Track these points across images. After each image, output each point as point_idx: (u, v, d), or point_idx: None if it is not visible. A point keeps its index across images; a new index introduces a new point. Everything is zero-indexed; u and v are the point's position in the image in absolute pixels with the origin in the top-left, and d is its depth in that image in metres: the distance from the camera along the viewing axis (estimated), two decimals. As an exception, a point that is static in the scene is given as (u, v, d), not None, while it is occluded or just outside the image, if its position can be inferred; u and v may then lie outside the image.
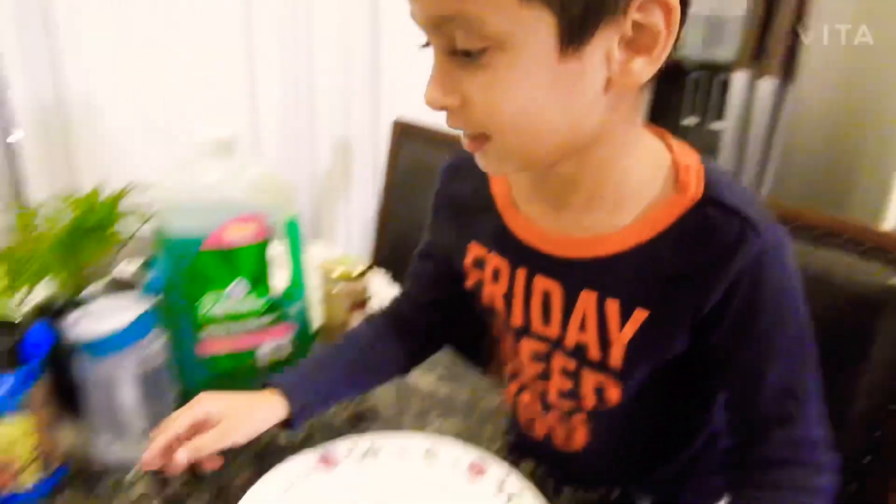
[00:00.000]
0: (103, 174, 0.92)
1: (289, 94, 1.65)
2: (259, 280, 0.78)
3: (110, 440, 0.70)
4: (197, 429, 0.63)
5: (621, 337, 0.57)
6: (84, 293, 0.69)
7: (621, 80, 0.48)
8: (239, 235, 0.74)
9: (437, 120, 0.57)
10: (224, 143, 0.75)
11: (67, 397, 0.69)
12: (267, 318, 0.80)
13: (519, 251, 0.62)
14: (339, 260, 0.91)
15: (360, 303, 0.90)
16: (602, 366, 0.59)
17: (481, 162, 0.55)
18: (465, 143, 0.54)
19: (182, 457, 0.60)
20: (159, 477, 0.67)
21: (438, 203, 0.73)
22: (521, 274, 0.62)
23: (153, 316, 0.70)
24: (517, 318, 0.64)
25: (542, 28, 0.45)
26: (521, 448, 0.74)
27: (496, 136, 0.51)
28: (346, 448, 0.71)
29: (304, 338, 0.85)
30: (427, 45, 0.51)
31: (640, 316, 0.56)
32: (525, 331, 0.64)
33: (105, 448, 0.70)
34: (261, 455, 0.72)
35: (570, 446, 0.67)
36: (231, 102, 1.55)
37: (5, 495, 0.62)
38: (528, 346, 0.65)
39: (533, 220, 0.61)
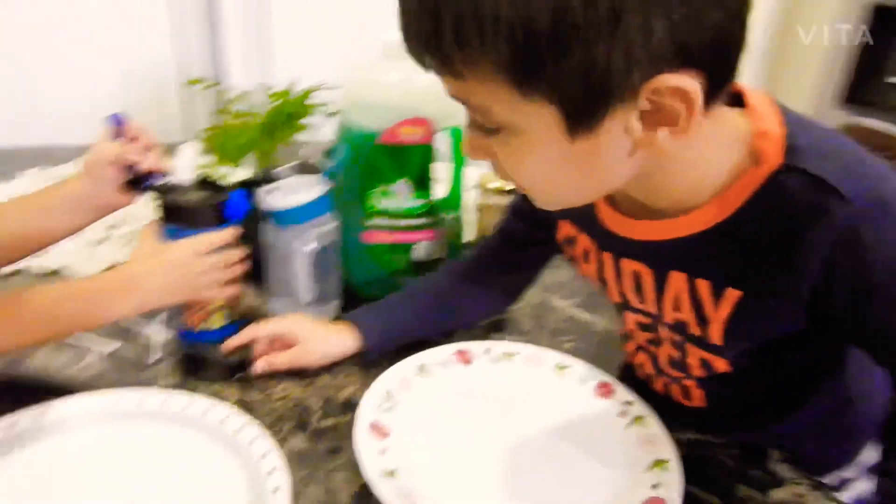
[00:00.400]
0: (299, 72, 1.02)
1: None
2: (421, 182, 0.83)
3: (282, 305, 0.80)
4: (276, 341, 0.71)
5: (717, 316, 0.55)
6: (276, 171, 0.77)
7: (648, 148, 0.46)
8: (409, 135, 0.79)
9: None
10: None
11: (253, 263, 0.79)
12: (424, 220, 0.85)
13: (603, 235, 0.62)
14: (484, 175, 0.94)
15: (512, 219, 0.92)
16: (705, 342, 0.58)
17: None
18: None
19: (258, 367, 0.69)
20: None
21: None
22: (608, 257, 0.63)
23: (330, 198, 0.77)
24: (614, 296, 0.65)
25: (546, 116, 0.44)
26: (645, 395, 0.75)
27: (526, 190, 0.53)
28: (483, 348, 0.75)
29: (456, 243, 0.90)
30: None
31: (732, 296, 0.53)
32: (625, 305, 0.65)
33: (277, 311, 0.80)
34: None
35: (690, 402, 0.67)
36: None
37: (198, 332, 0.72)
38: (632, 318, 0.66)
39: (614, 207, 0.60)
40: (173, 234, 0.66)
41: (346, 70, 0.84)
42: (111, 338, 0.74)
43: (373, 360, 0.73)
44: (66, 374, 0.68)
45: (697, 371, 0.62)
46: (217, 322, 0.71)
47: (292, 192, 0.75)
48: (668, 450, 0.62)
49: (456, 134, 0.85)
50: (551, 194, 0.53)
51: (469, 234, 0.96)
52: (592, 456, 0.63)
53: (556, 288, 0.94)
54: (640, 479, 0.60)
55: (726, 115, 0.51)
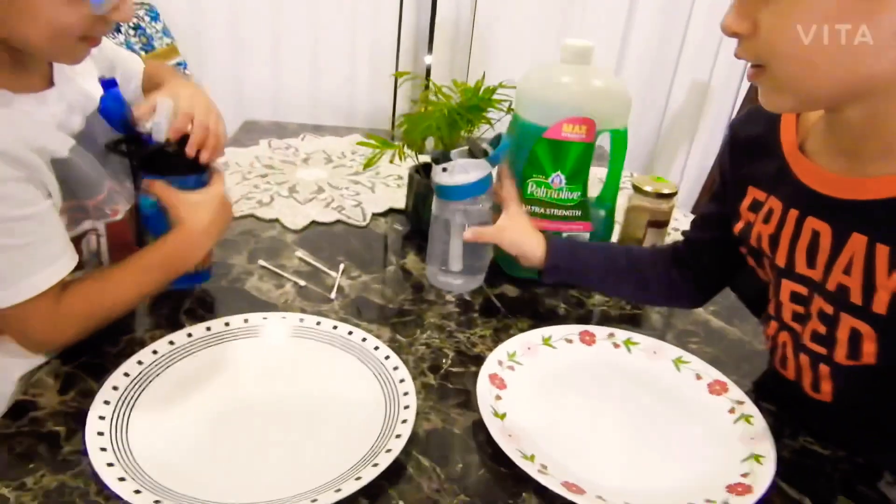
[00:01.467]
0: (486, 69, 1.14)
1: (664, 24, 1.69)
2: (577, 177, 0.91)
3: (433, 271, 0.93)
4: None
5: (889, 283, 0.55)
6: (449, 152, 0.90)
7: None
8: (571, 133, 0.87)
9: None
10: (582, 52, 0.88)
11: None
12: (576, 212, 0.93)
13: (795, 192, 0.63)
14: (651, 178, 0.98)
15: (659, 222, 0.96)
16: (863, 311, 0.58)
17: (761, 96, 0.57)
18: (748, 74, 0.57)
19: (468, 234, 0.86)
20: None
21: (728, 142, 0.75)
22: (792, 215, 0.64)
23: (489, 181, 0.88)
24: (781, 259, 0.66)
25: None
26: (772, 384, 0.76)
27: (773, 65, 0.54)
28: (608, 332, 0.81)
29: (604, 238, 0.96)
30: None
31: None
32: (787, 272, 0.65)
33: (431, 275, 0.93)
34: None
35: (816, 393, 0.67)
36: (608, 20, 1.66)
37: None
38: (788, 287, 0.66)
39: (816, 160, 0.62)
40: (179, 183, 0.76)
41: (526, 70, 0.94)
42: (303, 277, 0.92)
43: (548, 283, 0.87)
44: (271, 296, 0.87)
45: (842, 349, 0.62)
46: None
47: (460, 171, 0.86)
48: (767, 448, 0.64)
49: (616, 136, 0.91)
50: (802, 60, 0.52)
51: (616, 232, 1.01)
52: (693, 441, 0.67)
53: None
54: (733, 466, 0.63)
55: None
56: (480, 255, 0.92)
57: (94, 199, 0.71)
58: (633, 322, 0.90)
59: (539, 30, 1.63)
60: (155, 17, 1.42)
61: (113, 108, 0.76)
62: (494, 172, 0.89)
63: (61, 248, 0.66)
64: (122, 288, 0.72)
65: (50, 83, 0.69)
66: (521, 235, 0.86)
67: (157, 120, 0.74)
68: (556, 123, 0.87)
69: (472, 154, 0.88)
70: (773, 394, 0.76)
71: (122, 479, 0.54)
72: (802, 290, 0.65)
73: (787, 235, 0.65)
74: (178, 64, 1.45)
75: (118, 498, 0.53)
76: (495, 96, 0.99)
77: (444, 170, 0.86)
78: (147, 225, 0.79)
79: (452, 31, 1.63)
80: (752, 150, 0.71)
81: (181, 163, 0.76)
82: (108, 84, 0.78)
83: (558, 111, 0.88)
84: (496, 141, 0.91)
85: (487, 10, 1.62)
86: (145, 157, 0.76)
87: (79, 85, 0.73)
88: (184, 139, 0.75)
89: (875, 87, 0.52)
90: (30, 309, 0.64)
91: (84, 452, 0.57)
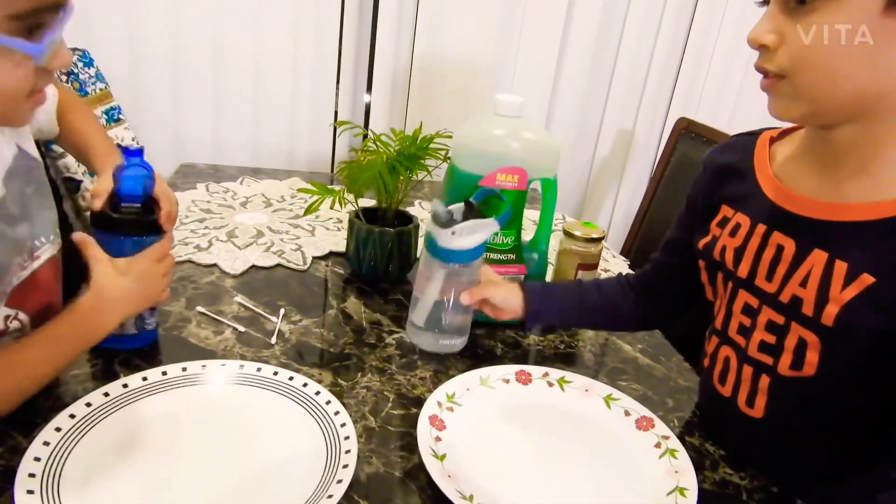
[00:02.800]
0: (422, 118, 1.19)
1: (590, 78, 1.80)
2: (511, 223, 0.95)
3: (432, 336, 0.89)
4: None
5: (841, 297, 0.62)
6: (452, 209, 0.85)
7: None
8: (505, 181, 0.92)
9: (721, 124, 0.67)
10: (513, 106, 0.93)
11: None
12: (510, 256, 0.97)
13: (764, 209, 0.70)
14: (581, 224, 1.04)
15: (589, 265, 1.02)
16: (813, 322, 0.64)
17: (772, 103, 0.63)
18: (763, 84, 0.63)
19: (465, 299, 0.86)
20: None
21: (704, 170, 0.82)
22: (759, 230, 0.70)
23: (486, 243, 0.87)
24: (744, 270, 0.72)
25: None
26: (706, 404, 0.82)
27: (796, 76, 0.60)
28: (542, 372, 0.85)
29: (538, 279, 1.00)
30: (764, 2, 0.61)
31: (865, 280, 0.60)
32: (746, 283, 0.72)
33: (421, 340, 0.90)
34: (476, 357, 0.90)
35: (749, 409, 0.72)
36: (538, 74, 1.75)
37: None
38: (742, 299, 0.73)
39: (787, 183, 0.69)
40: (116, 244, 0.74)
41: (461, 122, 0.99)
42: (242, 323, 0.92)
43: (530, 328, 0.92)
44: (210, 342, 0.86)
45: (787, 357, 0.67)
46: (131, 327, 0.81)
47: (468, 234, 0.83)
48: (690, 481, 0.68)
49: (547, 184, 0.96)
50: (824, 71, 0.58)
51: (550, 273, 1.06)
52: (621, 476, 0.71)
53: (625, 333, 1.02)
54: (660, 500, 0.67)
55: None
56: (470, 313, 0.91)
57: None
58: (567, 360, 0.94)
59: (473, 81, 1.71)
60: (88, 63, 1.41)
61: (135, 182, 0.76)
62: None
63: None
64: (32, 364, 0.67)
65: None
66: (506, 290, 0.88)
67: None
68: (490, 173, 0.92)
69: (473, 213, 0.86)
70: (702, 419, 0.81)
71: (54, 538, 0.53)
72: (754, 302, 0.71)
73: (752, 248, 0.71)
74: (112, 109, 1.43)
75: (50, 557, 0.51)
76: (432, 145, 1.03)
77: (453, 233, 0.83)
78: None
79: (391, 78, 1.68)
80: (726, 173, 0.78)
81: (133, 225, 0.76)
82: (135, 154, 0.77)
83: (493, 162, 0.92)
84: (483, 194, 0.91)
85: (425, 62, 1.68)
86: (101, 218, 0.75)
87: None
88: (144, 205, 0.77)
89: (878, 107, 0.59)
90: None
91: (14, 512, 0.55)
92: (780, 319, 0.68)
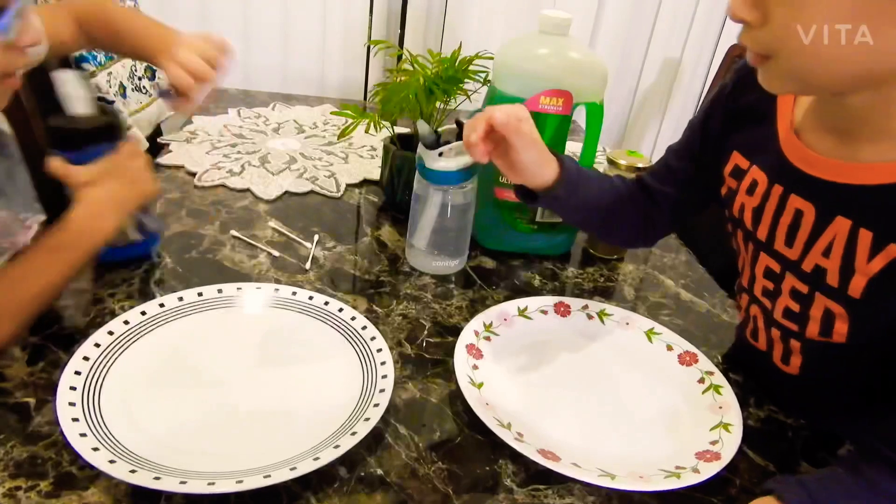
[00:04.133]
0: (461, 38, 1.13)
1: (637, 2, 1.70)
2: (555, 148, 0.90)
3: (414, 251, 0.90)
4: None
5: (868, 268, 0.56)
6: (440, 133, 0.87)
7: None
8: (549, 105, 0.87)
9: None
10: (560, 24, 0.87)
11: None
12: (551, 185, 0.93)
13: (782, 168, 0.63)
14: (626, 153, 0.99)
15: (634, 196, 0.98)
16: (839, 294, 0.59)
17: (761, 78, 0.56)
18: (749, 58, 0.55)
19: (481, 157, 0.69)
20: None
21: (716, 98, 0.74)
22: (776, 190, 0.64)
23: (476, 165, 0.86)
24: (763, 233, 0.66)
25: None
26: (741, 356, 0.78)
27: (781, 56, 0.51)
28: (582, 304, 0.82)
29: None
30: None
31: (892, 251, 0.54)
32: (765, 247, 0.66)
33: (410, 254, 0.91)
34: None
35: (785, 366, 0.69)
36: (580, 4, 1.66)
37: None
38: (763, 262, 0.67)
39: (807, 141, 0.62)
40: (78, 158, 0.71)
41: (504, 41, 0.93)
42: (276, 248, 0.90)
43: (535, 203, 0.76)
44: (244, 266, 0.85)
45: (813, 327, 0.63)
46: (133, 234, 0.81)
47: (456, 154, 0.82)
48: (735, 416, 0.66)
49: (592, 109, 0.91)
50: (813, 55, 0.49)
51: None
52: (665, 410, 0.69)
53: (665, 268, 0.99)
54: (703, 435, 0.65)
55: None
56: (463, 234, 0.91)
57: None
58: (605, 294, 0.91)
59: (514, 1, 1.62)
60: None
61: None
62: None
63: None
64: (31, 278, 0.65)
65: None
66: (538, 152, 0.73)
67: (66, 92, 0.70)
68: (534, 96, 0.87)
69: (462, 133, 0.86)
70: (741, 364, 0.78)
71: (95, 450, 0.53)
72: (776, 266, 0.66)
73: (769, 210, 0.65)
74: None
75: (92, 468, 0.52)
76: (472, 67, 0.98)
77: (441, 154, 0.82)
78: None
79: (426, 1, 1.60)
80: (742, 115, 0.70)
81: (91, 135, 0.72)
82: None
83: (536, 83, 0.87)
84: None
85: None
86: (57, 136, 0.72)
87: None
88: (102, 109, 0.73)
89: (884, 79, 0.51)
90: None
91: (56, 423, 0.56)
92: (804, 288, 0.62)
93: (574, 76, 0.88)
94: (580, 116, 0.92)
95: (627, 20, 1.70)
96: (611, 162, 0.97)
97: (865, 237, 0.56)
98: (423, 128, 0.83)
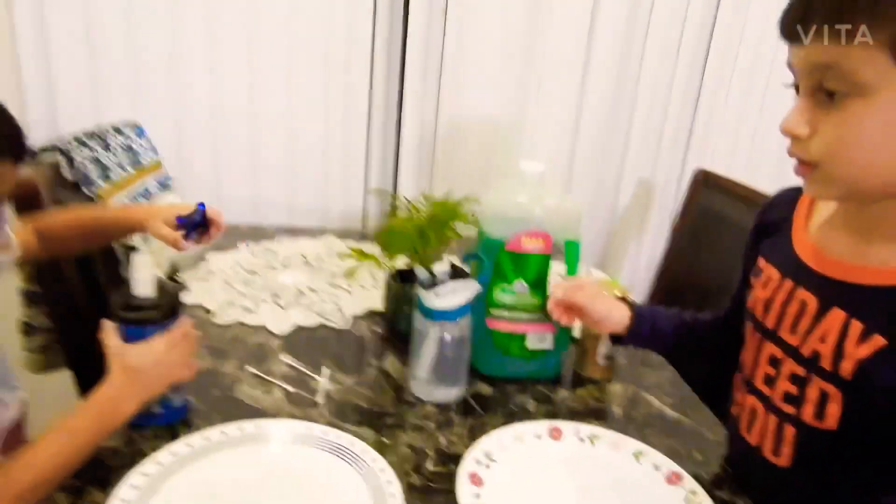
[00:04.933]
0: (452, 184, 1.27)
1: (607, 131, 1.87)
2: (538, 284, 1.01)
3: (418, 382, 0.98)
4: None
5: (855, 353, 0.67)
6: (437, 271, 0.96)
7: None
8: (530, 245, 0.99)
9: (740, 175, 0.73)
10: (535, 174, 1.00)
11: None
12: (538, 315, 1.03)
13: (793, 265, 0.76)
14: (605, 282, 1.10)
15: (615, 322, 1.07)
16: (832, 375, 0.69)
17: (807, 186, 0.69)
18: (797, 169, 0.68)
19: (562, 320, 0.98)
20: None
21: (753, 227, 0.89)
22: (786, 285, 0.76)
23: (473, 301, 0.96)
24: (771, 321, 0.78)
25: None
26: (734, 455, 0.86)
27: (827, 166, 0.64)
28: (574, 428, 0.90)
29: (564, 339, 1.06)
30: (794, 85, 0.67)
31: (877, 342, 0.65)
32: (771, 334, 0.77)
33: (414, 385, 0.99)
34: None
35: (777, 459, 0.76)
36: (554, 136, 1.83)
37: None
38: (768, 350, 0.78)
39: (817, 243, 0.75)
40: (135, 333, 0.80)
41: (486, 180, 1.06)
42: (290, 382, 0.98)
43: (623, 344, 0.97)
44: (261, 402, 0.93)
45: (810, 407, 0.72)
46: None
47: (450, 293, 0.92)
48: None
49: (569, 245, 1.02)
50: (857, 164, 0.63)
51: (578, 329, 1.12)
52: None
53: (651, 387, 1.06)
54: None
55: None
56: (461, 364, 0.98)
57: None
58: (596, 415, 0.99)
59: (495, 140, 1.79)
60: (142, 134, 1.52)
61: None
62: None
63: None
64: (48, 460, 0.70)
65: None
66: (608, 303, 0.97)
67: (136, 276, 0.81)
68: (515, 237, 0.99)
69: (457, 274, 0.96)
70: (730, 469, 0.86)
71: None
72: (778, 353, 0.76)
73: (779, 301, 0.77)
74: (165, 178, 1.54)
75: None
76: (461, 210, 1.10)
77: (437, 295, 0.92)
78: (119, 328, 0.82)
79: (417, 142, 1.77)
80: (767, 228, 0.85)
81: (150, 315, 0.82)
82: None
83: (517, 227, 0.99)
84: (470, 257, 1.01)
85: (450, 124, 1.78)
86: (121, 310, 0.81)
87: None
88: (162, 293, 0.84)
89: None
90: None
91: (99, 567, 0.61)
92: (801, 371, 0.73)
93: (550, 218, 1.00)
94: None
95: (600, 146, 1.87)
96: (592, 292, 1.07)
97: (856, 328, 0.67)
98: (420, 273, 0.94)
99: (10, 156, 0.73)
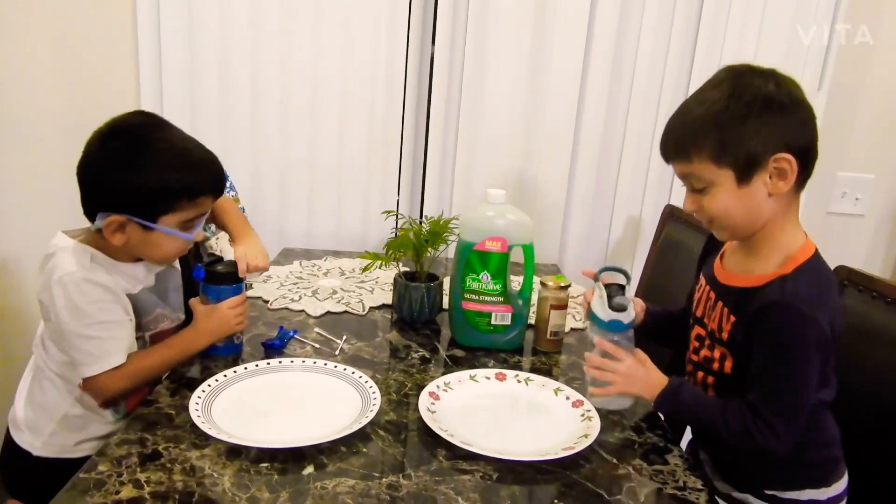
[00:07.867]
0: (443, 205, 1.65)
1: (602, 167, 2.22)
2: (498, 275, 1.37)
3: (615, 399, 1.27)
4: None
5: (725, 327, 1.04)
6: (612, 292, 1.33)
7: (775, 192, 0.97)
8: (492, 247, 1.35)
9: None
10: (499, 196, 1.38)
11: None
12: (499, 299, 1.38)
13: (710, 276, 1.14)
14: (553, 278, 1.44)
15: (559, 306, 1.40)
16: (721, 341, 1.06)
17: (714, 232, 1.07)
18: (704, 223, 1.06)
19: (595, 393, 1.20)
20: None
21: (700, 253, 1.27)
22: (706, 288, 1.14)
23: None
24: (699, 311, 1.15)
25: (729, 175, 0.97)
26: None
27: (715, 223, 1.03)
28: (514, 374, 1.24)
29: (520, 318, 1.41)
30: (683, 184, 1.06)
31: (731, 319, 1.03)
32: (699, 319, 1.14)
33: (593, 400, 1.37)
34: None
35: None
36: (557, 172, 2.20)
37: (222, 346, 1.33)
38: (696, 329, 1.15)
39: (722, 263, 1.12)
40: (213, 291, 1.24)
41: (463, 209, 1.44)
42: (319, 343, 1.37)
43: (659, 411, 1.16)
44: (297, 353, 1.31)
45: (717, 365, 1.08)
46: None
47: (630, 308, 1.17)
48: (595, 431, 1.04)
49: (526, 249, 1.39)
50: (731, 224, 1.01)
51: (533, 312, 1.45)
52: (556, 425, 1.08)
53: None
54: (576, 430, 1.04)
55: (798, 235, 1.03)
56: None
57: (146, 318, 1.23)
58: (540, 374, 1.32)
59: (506, 167, 2.18)
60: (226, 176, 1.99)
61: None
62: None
63: (129, 342, 1.17)
64: (155, 359, 1.19)
65: (137, 260, 1.22)
66: (657, 376, 1.12)
67: (222, 248, 1.28)
68: (481, 241, 1.36)
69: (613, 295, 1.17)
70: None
71: (204, 423, 0.97)
72: (701, 330, 1.13)
73: (703, 299, 1.14)
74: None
75: (207, 437, 0.96)
76: (450, 225, 1.49)
77: (625, 309, 1.15)
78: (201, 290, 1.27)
79: (440, 164, 2.18)
80: (706, 254, 1.23)
81: (223, 278, 1.26)
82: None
83: (484, 233, 1.36)
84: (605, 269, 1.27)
85: (463, 149, 2.18)
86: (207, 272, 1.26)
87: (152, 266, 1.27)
88: (231, 263, 1.28)
89: (761, 226, 1.02)
90: (106, 375, 1.13)
91: (189, 423, 1.00)
92: (709, 342, 1.10)
93: (509, 228, 1.37)
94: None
95: (594, 182, 2.22)
96: (542, 284, 1.42)
97: (726, 311, 1.05)
98: (621, 301, 1.16)
99: (218, 194, 1.22)
